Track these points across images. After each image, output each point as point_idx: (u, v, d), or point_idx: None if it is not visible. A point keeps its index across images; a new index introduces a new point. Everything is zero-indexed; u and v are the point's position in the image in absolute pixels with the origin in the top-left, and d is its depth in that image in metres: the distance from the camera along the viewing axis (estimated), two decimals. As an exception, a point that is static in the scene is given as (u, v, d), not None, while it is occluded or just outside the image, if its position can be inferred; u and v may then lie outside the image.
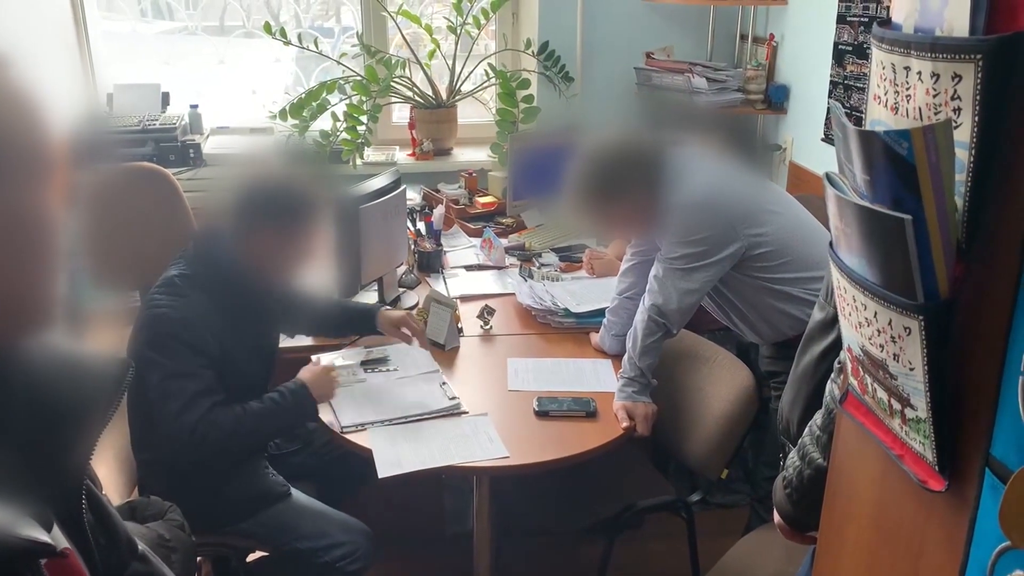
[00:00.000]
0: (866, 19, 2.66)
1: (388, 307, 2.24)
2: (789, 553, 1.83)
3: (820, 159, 2.93)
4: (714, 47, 3.40)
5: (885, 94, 0.76)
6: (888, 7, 0.81)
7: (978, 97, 0.64)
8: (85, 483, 0.72)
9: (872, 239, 0.73)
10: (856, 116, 2.72)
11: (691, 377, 2.25)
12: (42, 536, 0.58)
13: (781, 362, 2.13)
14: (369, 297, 2.61)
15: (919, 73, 0.70)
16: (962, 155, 0.67)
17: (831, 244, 0.84)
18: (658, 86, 3.29)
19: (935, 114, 0.69)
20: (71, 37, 3.37)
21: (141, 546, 0.81)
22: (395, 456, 1.87)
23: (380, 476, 1.81)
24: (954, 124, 0.67)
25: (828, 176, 0.80)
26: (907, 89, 0.72)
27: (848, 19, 2.76)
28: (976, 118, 0.65)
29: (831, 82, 2.84)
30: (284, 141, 3.27)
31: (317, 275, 2.72)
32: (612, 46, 3.39)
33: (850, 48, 2.76)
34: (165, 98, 3.47)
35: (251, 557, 2.19)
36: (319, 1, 3.86)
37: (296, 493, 2.03)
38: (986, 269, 0.68)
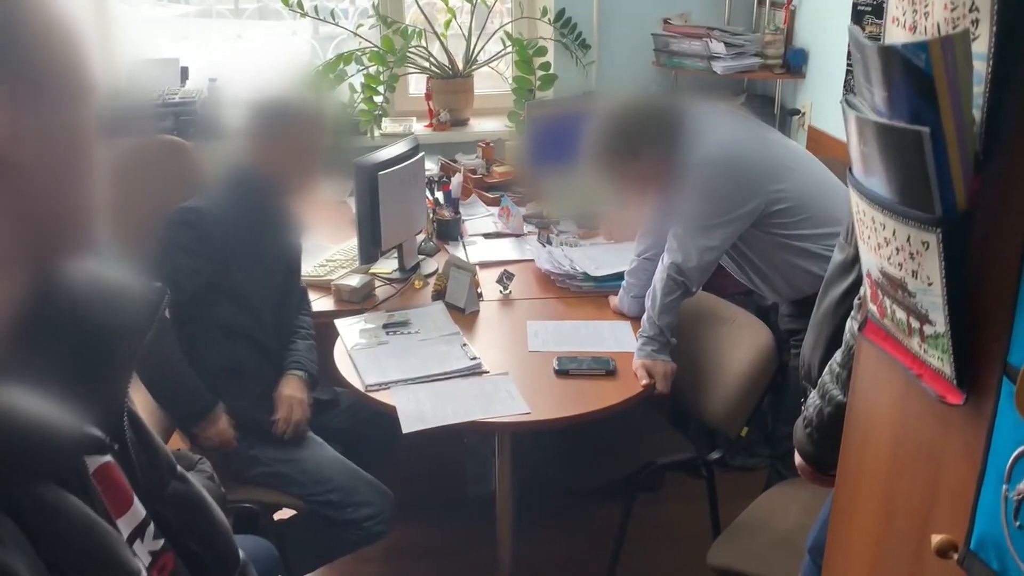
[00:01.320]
0: (885, -22, 2.64)
1: (298, 374, 2.14)
2: (808, 506, 1.84)
3: (839, 123, 2.90)
4: (732, 12, 3.39)
5: (903, 15, 0.77)
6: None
7: (996, 7, 0.65)
8: (127, 402, 0.75)
9: (891, 155, 0.74)
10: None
11: (711, 337, 2.26)
12: (95, 431, 0.60)
13: (801, 320, 2.13)
14: (389, 264, 2.64)
15: (937, -13, 0.70)
16: (980, 67, 0.68)
17: (849, 170, 0.85)
18: (676, 52, 3.28)
19: (953, 28, 0.70)
20: (91, 16, 3.40)
21: (179, 467, 0.84)
22: (418, 412, 1.90)
23: (404, 431, 1.85)
24: (972, 36, 0.67)
25: (846, 99, 0.81)
26: (925, 7, 0.73)
27: (867, -21, 2.74)
28: (994, 28, 0.66)
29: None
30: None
31: (342, 243, 2.77)
32: (629, 13, 3.37)
33: (869, 8, 2.73)
34: (184, 72, 3.49)
35: (278, 516, 2.23)
36: None
37: (329, 448, 2.07)
38: (1003, 181, 0.69)
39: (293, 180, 2.05)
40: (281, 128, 1.99)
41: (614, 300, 2.39)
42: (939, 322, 0.75)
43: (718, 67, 3.15)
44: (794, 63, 3.18)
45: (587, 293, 2.49)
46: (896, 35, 0.79)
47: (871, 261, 0.85)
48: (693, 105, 2.07)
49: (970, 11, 0.67)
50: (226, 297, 2.02)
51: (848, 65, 2.85)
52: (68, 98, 0.65)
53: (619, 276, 2.42)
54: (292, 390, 2.09)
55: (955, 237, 0.71)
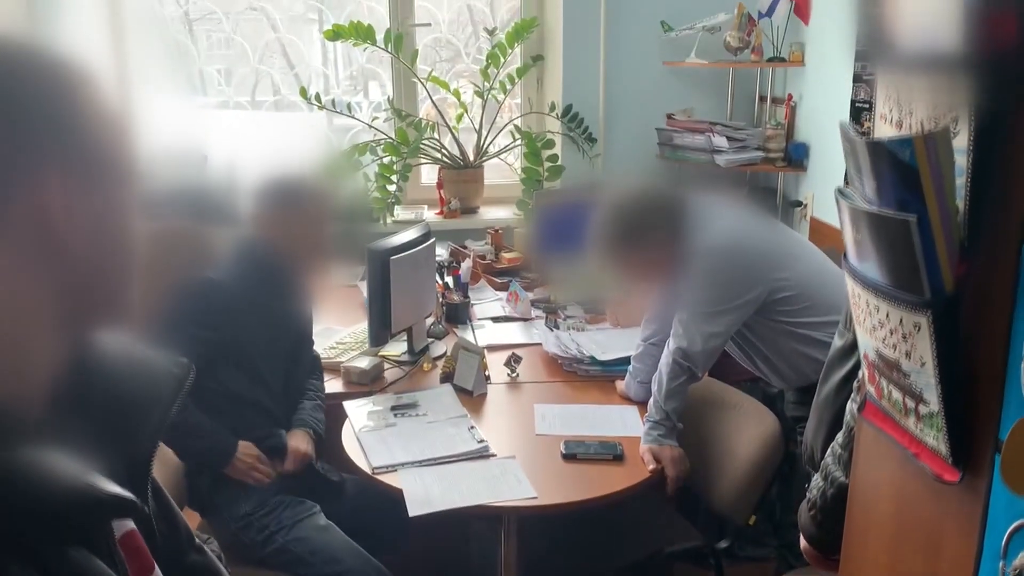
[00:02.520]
0: (881, 77, 2.75)
1: (307, 431, 2.20)
2: (818, 596, 1.82)
3: (840, 213, 2.99)
4: (734, 107, 3.51)
5: (890, 112, 0.83)
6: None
7: (973, 108, 0.70)
8: (151, 471, 0.78)
9: (881, 242, 0.78)
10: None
11: (718, 423, 2.28)
12: (127, 493, 0.63)
13: (806, 407, 2.14)
14: (399, 347, 2.67)
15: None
16: (961, 160, 0.73)
17: (844, 256, 0.90)
18: (679, 146, 3.38)
19: (935, 125, 0.75)
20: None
21: (198, 539, 0.86)
22: (425, 495, 1.90)
23: (411, 514, 1.85)
24: (953, 133, 0.73)
25: (839, 190, 0.86)
26: (910, 106, 0.78)
27: (864, 78, 2.85)
28: (973, 126, 0.71)
29: (849, 139, 2.92)
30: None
31: (353, 326, 2.82)
32: (634, 108, 3.50)
33: (867, 106, 2.84)
34: (203, 160, 3.61)
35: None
36: (347, 77, 4.02)
37: (339, 530, 2.07)
38: (987, 265, 0.73)
39: (305, 256, 2.10)
40: (296, 205, 2.05)
41: (621, 385, 2.41)
42: (933, 401, 0.78)
43: (721, 160, 3.25)
44: (795, 156, 3.28)
45: (594, 377, 2.52)
46: (884, 131, 0.84)
47: (867, 343, 0.89)
48: (698, 195, 2.13)
49: (950, 110, 0.73)
50: (233, 365, 2.06)
51: (847, 159, 2.94)
52: (115, 182, 0.71)
53: (625, 360, 2.45)
54: (297, 441, 2.14)
55: (945, 319, 0.75)
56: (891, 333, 0.81)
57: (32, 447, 0.62)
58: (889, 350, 0.83)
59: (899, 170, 0.74)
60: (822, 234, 3.10)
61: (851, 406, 1.15)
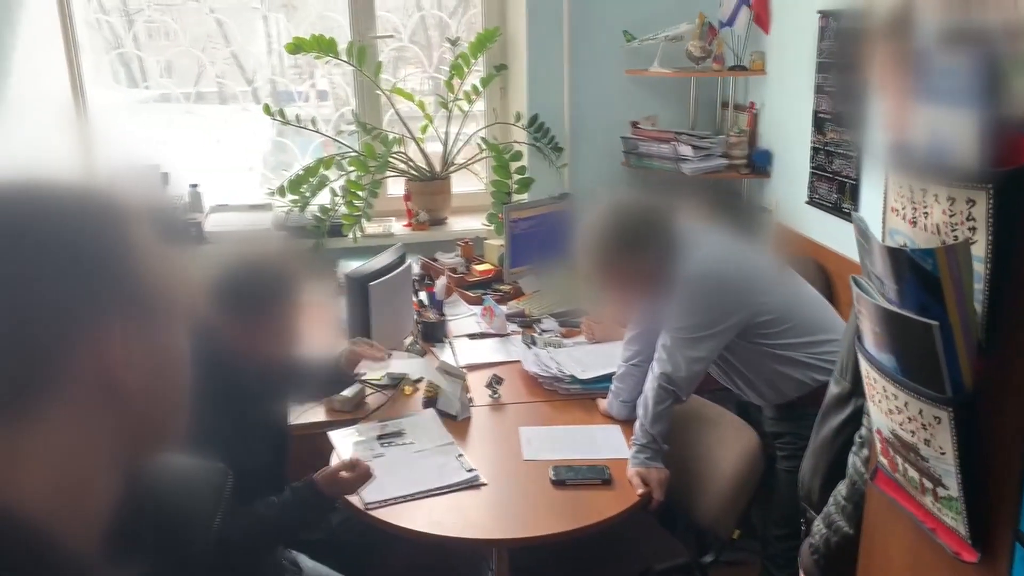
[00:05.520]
0: (843, 91, 2.82)
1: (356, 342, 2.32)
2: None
3: (805, 221, 3.07)
4: (697, 115, 3.56)
5: (903, 208, 0.86)
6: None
7: (991, 221, 0.74)
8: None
9: (902, 339, 0.82)
10: (839, 180, 2.86)
11: (699, 439, 2.33)
12: None
13: (785, 423, 2.22)
14: (378, 371, 2.67)
15: (935, 195, 0.80)
16: (978, 267, 0.77)
17: (859, 338, 0.93)
18: (645, 154, 3.43)
19: (952, 231, 0.79)
20: (73, 111, 3.46)
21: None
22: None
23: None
24: (971, 242, 0.77)
25: (855, 280, 0.90)
26: (925, 208, 0.82)
27: (826, 89, 2.92)
28: (990, 238, 0.75)
29: (812, 148, 2.99)
30: (283, 217, 3.36)
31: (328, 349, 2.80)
32: (598, 117, 3.53)
33: (829, 116, 2.91)
34: (164, 178, 3.54)
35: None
36: (292, 65, 3.94)
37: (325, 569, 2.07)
38: (1006, 364, 0.78)
39: (267, 355, 1.89)
40: (264, 311, 1.85)
41: (603, 403, 2.45)
42: (952, 487, 0.83)
43: (686, 168, 3.30)
44: (759, 163, 3.34)
45: (575, 396, 2.55)
46: (896, 224, 0.88)
47: (882, 422, 0.93)
48: (680, 218, 2.16)
49: (967, 219, 0.77)
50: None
51: (812, 168, 3.01)
52: (167, 320, 0.71)
53: (605, 378, 2.49)
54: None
55: (965, 415, 0.79)
56: (909, 420, 0.85)
57: None
58: (907, 434, 0.87)
59: (921, 276, 0.78)
60: (788, 240, 3.17)
61: (853, 459, 1.19)
